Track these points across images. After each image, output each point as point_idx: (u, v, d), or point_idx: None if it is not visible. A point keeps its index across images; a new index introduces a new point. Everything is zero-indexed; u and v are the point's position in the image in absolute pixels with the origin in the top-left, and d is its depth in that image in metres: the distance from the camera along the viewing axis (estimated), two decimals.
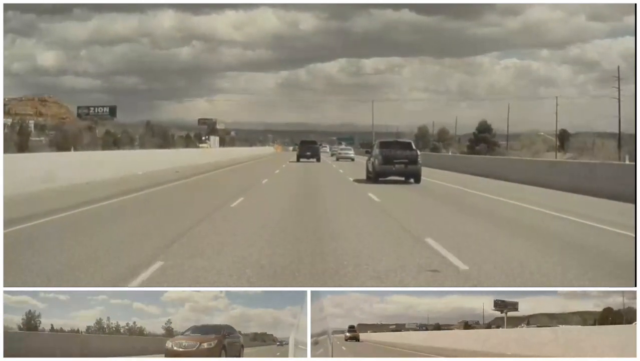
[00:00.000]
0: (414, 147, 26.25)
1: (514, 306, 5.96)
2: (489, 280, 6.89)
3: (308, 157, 54.16)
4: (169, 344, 5.09)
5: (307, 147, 56.26)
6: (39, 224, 11.49)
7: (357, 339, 6.79)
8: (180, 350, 4.90)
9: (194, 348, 4.88)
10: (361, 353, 6.37)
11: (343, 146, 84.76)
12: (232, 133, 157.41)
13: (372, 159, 26.52)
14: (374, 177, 25.50)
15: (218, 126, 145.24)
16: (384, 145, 26.46)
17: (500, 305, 5.97)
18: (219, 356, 4.94)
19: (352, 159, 62.20)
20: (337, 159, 62.96)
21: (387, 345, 6.61)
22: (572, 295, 6.00)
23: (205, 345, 4.94)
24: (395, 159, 24.99)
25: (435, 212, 14.78)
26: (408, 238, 10.06)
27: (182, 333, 5.33)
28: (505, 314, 6.04)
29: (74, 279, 6.88)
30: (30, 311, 6.03)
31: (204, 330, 5.24)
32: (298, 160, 53.96)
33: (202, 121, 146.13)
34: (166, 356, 5.00)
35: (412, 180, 25.06)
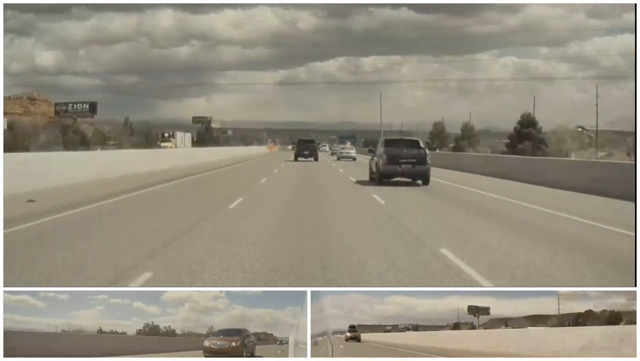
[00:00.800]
0: (422, 145, 25.53)
1: (486, 311, 6.60)
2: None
3: (306, 156, 55.71)
4: (206, 343, 6.63)
5: (305, 146, 57.91)
6: None
7: (358, 339, 7.06)
8: (216, 347, 6.57)
9: (227, 346, 6.56)
10: (361, 353, 6.85)
11: (345, 145, 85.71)
12: (230, 132, 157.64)
13: (375, 158, 25.75)
14: (378, 178, 24.81)
15: (213, 125, 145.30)
16: (389, 143, 25.67)
17: (473, 309, 6.59)
18: (242, 353, 6.57)
19: (354, 159, 62.92)
20: (338, 159, 63.81)
21: (387, 345, 7.06)
22: (571, 296, 6.49)
23: (233, 344, 6.59)
24: (402, 159, 24.21)
25: None
26: None
27: (214, 335, 6.73)
28: (478, 318, 6.65)
29: None
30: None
31: (229, 333, 6.67)
32: (296, 159, 55.35)
33: (196, 120, 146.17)
34: (205, 352, 6.58)
35: (419, 182, 24.56)
